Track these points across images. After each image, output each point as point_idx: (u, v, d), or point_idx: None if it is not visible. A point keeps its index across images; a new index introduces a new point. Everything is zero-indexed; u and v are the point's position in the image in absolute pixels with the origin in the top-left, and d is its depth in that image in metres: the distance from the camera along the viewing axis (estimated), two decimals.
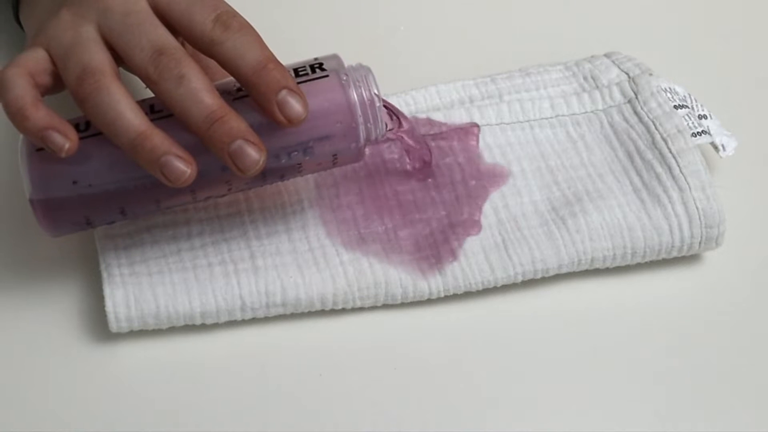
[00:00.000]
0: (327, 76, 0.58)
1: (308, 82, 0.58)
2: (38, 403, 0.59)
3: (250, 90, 0.56)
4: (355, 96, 0.58)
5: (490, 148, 0.66)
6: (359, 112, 0.58)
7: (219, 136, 0.55)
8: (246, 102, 0.57)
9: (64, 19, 0.58)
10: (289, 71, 0.57)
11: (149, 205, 0.59)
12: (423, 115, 0.67)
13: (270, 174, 0.59)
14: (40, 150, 0.57)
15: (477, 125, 0.67)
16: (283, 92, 0.56)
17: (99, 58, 0.56)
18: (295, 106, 0.56)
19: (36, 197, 0.57)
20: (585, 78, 0.69)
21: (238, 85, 0.58)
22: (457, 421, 0.58)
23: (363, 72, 0.59)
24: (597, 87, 0.69)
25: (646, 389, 0.60)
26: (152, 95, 0.57)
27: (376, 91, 0.59)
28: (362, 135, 0.59)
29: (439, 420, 0.58)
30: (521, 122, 0.68)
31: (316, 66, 0.59)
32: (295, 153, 0.58)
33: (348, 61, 0.60)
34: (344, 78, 0.58)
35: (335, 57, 0.60)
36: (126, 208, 0.58)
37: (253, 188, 0.61)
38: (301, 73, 0.58)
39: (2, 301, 0.62)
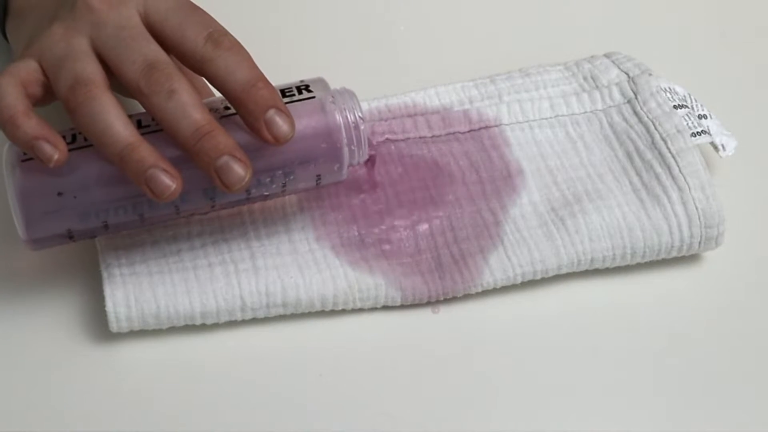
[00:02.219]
0: (313, 97, 0.59)
1: (294, 104, 0.59)
2: (38, 403, 0.59)
3: (239, 108, 0.57)
4: (340, 118, 0.59)
5: (489, 150, 0.66)
6: (344, 134, 0.59)
7: (206, 151, 0.55)
8: (232, 120, 0.57)
9: (56, 32, 0.58)
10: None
11: (133, 220, 0.59)
12: (422, 117, 0.67)
13: (254, 193, 0.59)
14: (25, 160, 0.57)
15: (477, 128, 0.67)
16: (271, 111, 0.56)
17: (91, 69, 0.56)
18: (282, 125, 0.56)
19: (19, 208, 0.57)
20: (585, 78, 0.69)
21: (225, 103, 0.58)
22: (457, 421, 0.58)
23: (348, 95, 0.60)
24: (597, 87, 0.69)
25: (646, 389, 0.60)
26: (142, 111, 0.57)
27: (360, 115, 0.59)
28: (346, 157, 0.59)
29: (439, 420, 0.58)
30: (520, 123, 0.67)
31: (303, 88, 0.60)
32: (280, 173, 0.59)
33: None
34: (330, 100, 0.59)
35: (321, 80, 0.60)
36: (109, 222, 0.58)
37: (237, 206, 0.61)
38: (287, 94, 0.59)
39: (2, 301, 0.62)
